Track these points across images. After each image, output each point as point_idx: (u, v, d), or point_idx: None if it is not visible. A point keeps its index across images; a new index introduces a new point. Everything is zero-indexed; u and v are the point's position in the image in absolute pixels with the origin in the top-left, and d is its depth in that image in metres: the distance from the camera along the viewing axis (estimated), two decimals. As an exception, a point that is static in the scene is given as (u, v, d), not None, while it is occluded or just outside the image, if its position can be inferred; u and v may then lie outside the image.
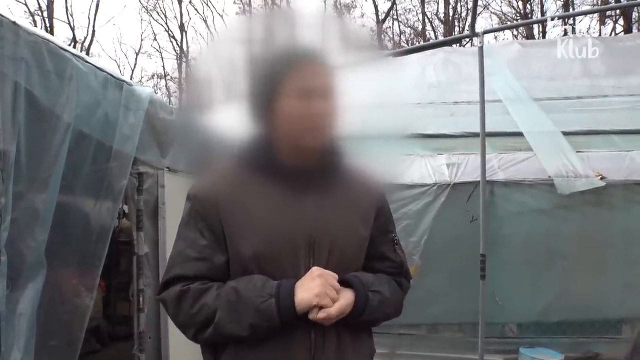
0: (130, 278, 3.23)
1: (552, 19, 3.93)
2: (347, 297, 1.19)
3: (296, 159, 1.23)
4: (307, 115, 1.18)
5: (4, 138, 1.71)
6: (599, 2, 14.61)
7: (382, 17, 19.18)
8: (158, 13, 20.90)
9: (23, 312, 1.84)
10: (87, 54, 16.55)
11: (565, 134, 4.22)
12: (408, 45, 17.89)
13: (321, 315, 1.14)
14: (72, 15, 19.25)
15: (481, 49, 3.39)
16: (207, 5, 22.85)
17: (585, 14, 12.11)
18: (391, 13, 19.43)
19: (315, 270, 1.17)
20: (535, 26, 15.80)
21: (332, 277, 1.18)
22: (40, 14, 17.87)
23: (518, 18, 16.96)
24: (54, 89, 1.98)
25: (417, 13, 19.72)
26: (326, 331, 1.18)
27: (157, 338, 3.07)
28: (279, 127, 1.21)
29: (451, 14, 18.57)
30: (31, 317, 1.88)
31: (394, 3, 19.08)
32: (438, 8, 19.38)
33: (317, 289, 1.14)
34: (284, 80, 1.19)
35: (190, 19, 26.51)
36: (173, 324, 1.26)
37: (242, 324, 1.13)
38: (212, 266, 1.20)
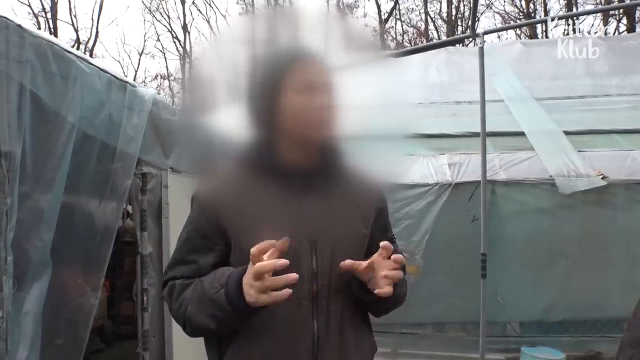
0: (134, 277, 3.25)
1: (553, 19, 3.93)
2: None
3: (298, 158, 1.24)
4: (310, 108, 1.19)
5: (9, 139, 1.74)
6: (602, 1, 14.58)
7: (384, 16, 19.20)
8: (161, 13, 21.00)
9: (29, 310, 1.87)
10: (91, 54, 16.62)
11: (567, 133, 4.23)
12: (411, 44, 17.88)
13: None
14: (75, 16, 19.31)
15: (481, 49, 3.39)
16: (210, 5, 22.96)
17: (588, 13, 12.06)
18: (394, 12, 19.45)
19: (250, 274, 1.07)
20: (538, 25, 15.76)
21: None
22: (44, 15, 17.97)
23: (521, 17, 16.94)
24: (58, 90, 2.00)
25: (419, 12, 19.74)
26: (329, 326, 1.20)
27: (160, 337, 3.09)
28: (282, 123, 1.22)
29: (454, 13, 18.56)
30: (37, 316, 1.90)
31: (396, 2, 19.09)
32: (440, 7, 19.39)
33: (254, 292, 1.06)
34: (286, 76, 1.20)
35: (193, 19, 26.64)
36: (176, 323, 1.30)
37: (205, 315, 1.15)
38: (198, 268, 1.23)
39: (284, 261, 1.03)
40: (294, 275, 1.04)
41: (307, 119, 1.19)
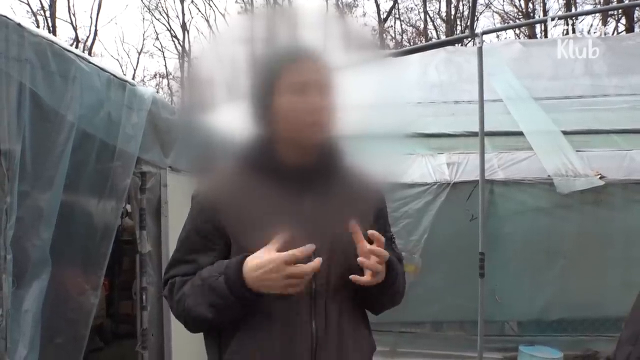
0: (133, 276, 3.25)
1: (552, 19, 3.93)
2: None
3: (296, 157, 1.24)
4: (304, 109, 1.18)
5: (9, 138, 1.74)
6: (601, 1, 14.59)
7: (383, 16, 19.21)
8: (160, 12, 21.00)
9: (28, 309, 1.87)
10: (89, 53, 16.60)
11: (566, 133, 4.24)
12: (410, 44, 17.90)
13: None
14: (74, 15, 19.31)
15: (480, 49, 3.40)
16: (209, 4, 22.94)
17: (587, 13, 12.08)
18: (393, 12, 19.45)
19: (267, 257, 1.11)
20: (537, 25, 15.77)
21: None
22: (43, 14, 17.95)
23: (520, 17, 16.96)
24: (58, 89, 2.00)
25: (418, 12, 19.76)
26: (327, 326, 1.20)
27: (159, 335, 3.09)
28: (278, 123, 1.22)
29: (453, 12, 18.57)
30: (36, 314, 1.91)
31: (395, 2, 19.09)
32: (440, 7, 19.41)
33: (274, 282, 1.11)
34: (281, 76, 1.20)
35: (192, 17, 26.67)
36: (175, 321, 1.30)
37: (204, 304, 1.16)
38: (198, 267, 1.23)
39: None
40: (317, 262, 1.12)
41: (302, 120, 1.19)
